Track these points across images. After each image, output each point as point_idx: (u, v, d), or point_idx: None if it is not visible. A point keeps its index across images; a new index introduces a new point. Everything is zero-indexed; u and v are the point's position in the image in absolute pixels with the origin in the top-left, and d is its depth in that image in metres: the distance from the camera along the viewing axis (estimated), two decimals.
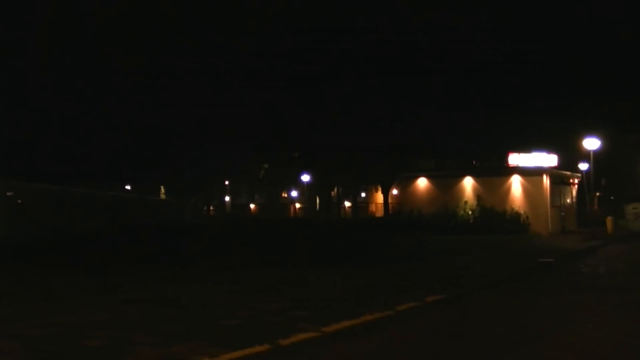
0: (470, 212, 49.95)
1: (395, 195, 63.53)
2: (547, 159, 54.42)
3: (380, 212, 73.94)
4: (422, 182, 53.18)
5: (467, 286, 19.82)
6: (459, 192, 51.44)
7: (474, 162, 58.55)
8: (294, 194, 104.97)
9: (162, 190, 74.17)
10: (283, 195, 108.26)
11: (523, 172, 50.92)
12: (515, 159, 53.66)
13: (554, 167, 53.89)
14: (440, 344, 12.95)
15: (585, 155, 48.08)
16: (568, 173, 55.92)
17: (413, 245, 31.87)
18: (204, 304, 15.91)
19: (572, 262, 29.79)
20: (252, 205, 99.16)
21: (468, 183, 51.44)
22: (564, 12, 43.31)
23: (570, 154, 57.12)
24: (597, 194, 61.49)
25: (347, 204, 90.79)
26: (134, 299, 16.45)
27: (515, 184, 50.42)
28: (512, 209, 49.01)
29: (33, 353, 11.18)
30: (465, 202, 50.45)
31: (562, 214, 52.73)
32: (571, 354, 11.97)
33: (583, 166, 55.42)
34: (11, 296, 16.87)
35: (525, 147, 54.09)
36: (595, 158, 45.24)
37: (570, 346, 12.45)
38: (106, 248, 27.12)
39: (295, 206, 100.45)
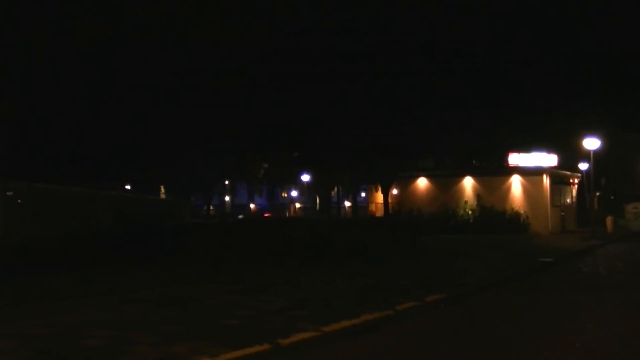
0: (470, 212, 49.98)
1: (395, 195, 63.63)
2: (547, 159, 54.47)
3: (380, 212, 74.08)
4: (422, 182, 53.19)
5: (468, 286, 19.84)
6: (459, 192, 51.46)
7: (473, 162, 58.58)
8: (294, 193, 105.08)
9: (162, 190, 74.17)
10: (283, 195, 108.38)
11: (523, 171, 50.93)
12: (515, 158, 53.70)
13: (554, 167, 53.92)
14: (440, 343, 12.95)
15: (585, 155, 48.07)
16: (568, 173, 55.93)
17: (413, 244, 31.85)
18: (204, 304, 15.92)
19: (572, 261, 29.82)
20: (251, 205, 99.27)
21: (468, 183, 51.46)
22: (564, 12, 43.27)
23: (570, 154, 57.12)
24: (597, 193, 61.50)
25: (347, 203, 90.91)
26: (134, 299, 16.45)
27: (515, 183, 50.42)
28: (512, 209, 49.03)
29: (33, 353, 11.18)
30: (465, 202, 50.48)
31: (562, 213, 52.74)
32: (571, 353, 11.98)
33: (583, 166, 55.42)
34: (11, 296, 16.86)
35: (525, 147, 54.11)
36: (596, 158, 45.23)
37: (570, 346, 12.46)
38: (106, 248, 27.11)
39: (295, 206, 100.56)
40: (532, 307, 17.16)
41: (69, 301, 16.26)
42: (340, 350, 12.19)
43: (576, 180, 57.75)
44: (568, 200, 55.85)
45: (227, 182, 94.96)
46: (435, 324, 14.93)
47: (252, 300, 16.47)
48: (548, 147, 54.93)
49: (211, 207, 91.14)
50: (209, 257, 25.70)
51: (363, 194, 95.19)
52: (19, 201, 31.02)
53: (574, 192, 57.69)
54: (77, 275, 21.48)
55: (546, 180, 50.48)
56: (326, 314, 14.27)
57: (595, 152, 44.95)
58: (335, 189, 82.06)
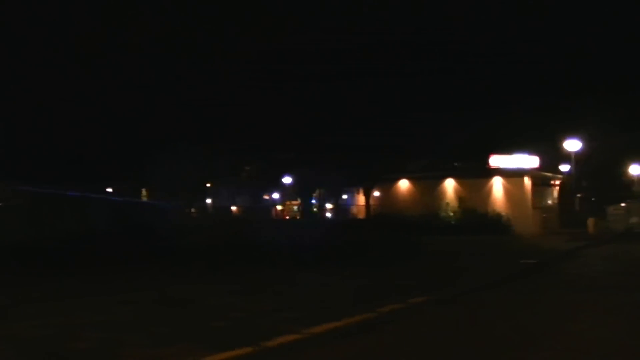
0: (452, 214, 50.18)
1: (377, 197, 63.74)
2: (529, 161, 54.60)
3: (362, 214, 74.16)
4: (403, 184, 53.40)
5: (459, 287, 19.88)
6: (441, 194, 51.71)
7: (455, 164, 58.80)
8: (276, 195, 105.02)
9: (145, 192, 73.90)
10: (265, 197, 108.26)
11: (504, 173, 51.16)
12: (496, 160, 53.83)
13: (536, 169, 54.11)
14: (434, 345, 12.91)
15: (568, 157, 48.33)
16: (549, 174, 56.18)
17: (398, 246, 31.98)
18: (199, 305, 15.89)
19: (555, 263, 29.92)
20: (233, 208, 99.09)
21: (449, 185, 51.69)
22: (546, 14, 43.45)
23: (554, 156, 57.36)
24: (578, 195, 61.88)
25: (329, 205, 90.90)
26: (131, 300, 16.46)
27: (497, 185, 50.65)
28: (494, 210, 49.23)
29: (26, 354, 11.18)
30: (447, 204, 50.71)
31: (544, 215, 52.98)
32: (563, 354, 11.99)
33: (565, 168, 55.69)
34: (9, 297, 16.82)
35: (509, 148, 54.22)
36: (578, 160, 45.48)
37: (561, 346, 12.47)
38: (103, 250, 27.06)
39: (276, 208, 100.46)
40: (527, 307, 17.22)
41: (66, 302, 16.29)
42: (327, 352, 12.17)
43: (557, 182, 58.01)
44: (550, 202, 56.12)
45: (208, 185, 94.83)
46: (430, 325, 14.89)
47: (247, 301, 16.49)
48: (531, 149, 55.09)
49: (192, 210, 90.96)
50: (207, 257, 25.79)
51: (345, 196, 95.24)
52: (15, 203, 31.05)
53: (556, 194, 57.96)
54: (75, 276, 21.45)
55: (528, 182, 50.72)
56: (319, 315, 14.16)
57: (578, 154, 45.22)
58: (317, 191, 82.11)
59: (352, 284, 19.95)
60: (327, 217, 78.39)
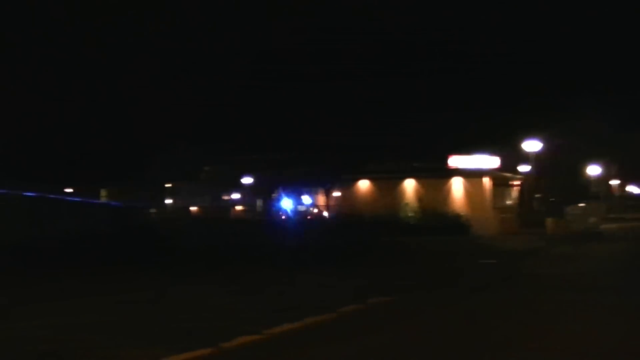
0: (411, 214, 50.18)
1: (337, 197, 63.78)
2: (489, 161, 54.62)
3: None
4: (363, 184, 53.35)
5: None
6: (400, 194, 51.72)
7: (415, 164, 58.91)
8: (236, 196, 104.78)
9: (104, 193, 73.44)
10: (224, 197, 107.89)
11: (464, 173, 51.27)
12: (456, 160, 53.82)
13: (496, 169, 54.21)
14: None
15: (529, 158, 48.60)
16: (509, 175, 56.37)
17: (363, 247, 32.27)
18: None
19: (515, 262, 30.02)
20: (193, 208, 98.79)
21: (409, 185, 51.73)
22: (507, 14, 43.73)
23: (515, 156, 57.59)
24: (537, 195, 62.29)
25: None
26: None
27: (457, 185, 50.76)
28: (453, 211, 49.29)
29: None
30: (407, 204, 50.69)
31: (503, 215, 53.16)
32: (532, 354, 11.93)
33: (524, 168, 55.96)
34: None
35: (470, 148, 54.24)
36: (539, 160, 45.74)
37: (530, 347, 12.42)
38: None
39: (235, 208, 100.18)
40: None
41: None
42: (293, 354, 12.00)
43: (517, 183, 58.26)
44: (510, 202, 56.34)
45: (167, 185, 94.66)
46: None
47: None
48: (492, 150, 55.16)
49: (152, 210, 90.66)
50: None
51: (305, 196, 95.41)
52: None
53: (516, 194, 58.21)
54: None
55: (487, 182, 50.87)
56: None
57: (537, 154, 45.46)
58: (277, 192, 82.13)
59: (349, 284, 20.13)
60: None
